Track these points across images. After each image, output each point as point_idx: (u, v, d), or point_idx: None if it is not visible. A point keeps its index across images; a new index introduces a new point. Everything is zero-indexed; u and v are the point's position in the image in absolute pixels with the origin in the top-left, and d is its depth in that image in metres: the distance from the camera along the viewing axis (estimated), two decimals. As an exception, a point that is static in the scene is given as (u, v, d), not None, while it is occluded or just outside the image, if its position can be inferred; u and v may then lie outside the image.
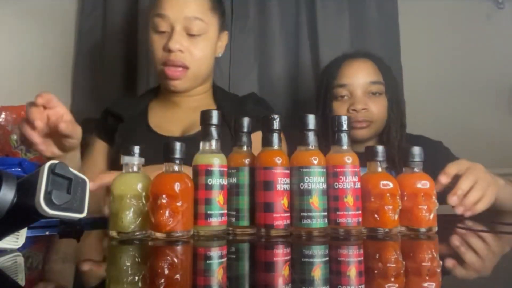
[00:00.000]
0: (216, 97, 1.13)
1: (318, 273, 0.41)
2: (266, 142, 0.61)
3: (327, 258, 0.48)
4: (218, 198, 0.58)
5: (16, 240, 0.49)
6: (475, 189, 0.78)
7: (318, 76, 1.35)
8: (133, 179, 0.59)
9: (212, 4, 1.07)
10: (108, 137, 1.08)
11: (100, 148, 1.09)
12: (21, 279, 0.39)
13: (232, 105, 1.08)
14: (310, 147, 0.60)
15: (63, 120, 0.78)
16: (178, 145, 0.57)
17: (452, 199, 0.76)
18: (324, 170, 0.59)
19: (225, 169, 0.60)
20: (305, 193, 0.58)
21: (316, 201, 0.57)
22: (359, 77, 1.12)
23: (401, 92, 1.21)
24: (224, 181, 0.59)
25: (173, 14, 1.00)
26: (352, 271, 0.42)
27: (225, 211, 0.59)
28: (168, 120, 1.07)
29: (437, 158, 0.93)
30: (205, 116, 0.61)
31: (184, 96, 1.09)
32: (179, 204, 0.55)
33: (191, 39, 1.02)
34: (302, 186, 0.58)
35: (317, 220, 0.57)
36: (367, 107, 1.11)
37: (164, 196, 0.54)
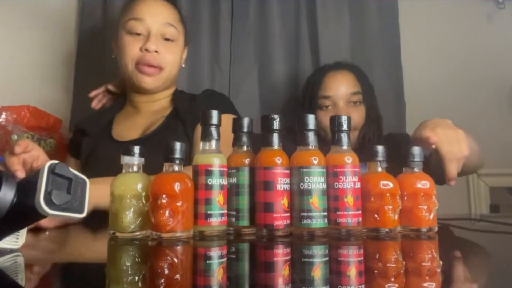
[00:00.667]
0: (174, 99, 1.16)
1: (318, 273, 0.41)
2: (266, 142, 0.61)
3: (327, 258, 0.48)
4: (218, 198, 0.58)
5: (16, 240, 0.49)
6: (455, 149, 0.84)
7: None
8: (133, 179, 0.59)
9: (180, 17, 1.16)
10: (78, 152, 1.15)
11: (71, 165, 1.15)
12: (21, 279, 0.39)
13: (188, 103, 1.12)
14: (310, 147, 0.60)
15: (39, 160, 0.84)
16: (178, 145, 0.58)
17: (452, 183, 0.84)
18: (324, 170, 0.59)
19: (225, 169, 0.60)
20: (305, 193, 0.58)
21: (316, 201, 0.57)
22: (341, 89, 1.22)
23: (375, 99, 1.32)
24: (224, 181, 0.59)
25: (150, 19, 1.07)
26: (352, 271, 0.42)
27: (225, 211, 0.59)
28: (129, 127, 1.12)
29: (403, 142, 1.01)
30: (205, 116, 0.61)
31: (147, 102, 1.14)
32: (179, 204, 0.55)
33: (165, 44, 1.09)
34: (302, 186, 0.58)
35: (317, 220, 0.57)
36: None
37: (164, 196, 0.54)
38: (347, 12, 1.52)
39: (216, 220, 0.58)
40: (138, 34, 1.07)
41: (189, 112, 1.06)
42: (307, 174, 0.58)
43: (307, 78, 1.35)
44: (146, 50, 1.05)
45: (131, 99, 1.16)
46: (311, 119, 0.60)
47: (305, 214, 0.57)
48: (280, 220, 0.57)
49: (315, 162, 0.58)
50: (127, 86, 1.17)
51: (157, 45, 1.07)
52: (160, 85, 1.11)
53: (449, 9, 1.62)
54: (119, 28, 1.12)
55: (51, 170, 0.39)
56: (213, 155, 0.59)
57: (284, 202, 0.58)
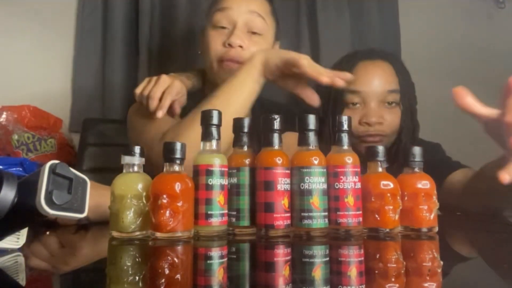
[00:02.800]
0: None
1: (318, 273, 0.41)
2: (267, 142, 0.60)
3: (327, 258, 0.48)
4: (218, 198, 0.58)
5: (17, 240, 0.49)
6: None
7: None
8: (133, 179, 0.59)
9: (271, 8, 1.05)
10: None
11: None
12: (21, 279, 0.39)
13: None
14: (311, 147, 0.60)
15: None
16: (178, 145, 0.57)
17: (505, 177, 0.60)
18: (325, 170, 0.59)
19: (226, 169, 0.60)
20: (305, 193, 0.58)
21: (316, 201, 0.57)
22: (376, 84, 1.00)
23: (415, 101, 1.09)
24: (225, 181, 0.59)
25: (236, 8, 0.99)
26: (353, 271, 0.42)
27: (226, 211, 0.59)
28: None
29: (436, 160, 0.90)
30: (205, 116, 0.61)
31: None
32: (179, 204, 0.54)
33: (251, 38, 0.99)
34: (302, 186, 0.58)
35: (318, 220, 0.57)
36: (382, 120, 1.01)
37: (164, 196, 0.54)
38: (347, 12, 1.52)
39: (217, 220, 0.57)
40: (223, 28, 0.99)
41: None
42: (308, 174, 0.58)
43: (332, 66, 1.09)
44: (230, 45, 0.97)
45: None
46: (311, 119, 0.60)
47: (306, 214, 0.57)
48: (281, 220, 0.57)
49: (316, 162, 0.58)
50: (210, 84, 1.05)
51: (242, 38, 0.97)
52: None
53: (449, 9, 1.63)
54: (206, 22, 1.04)
55: (52, 170, 0.39)
56: (214, 155, 0.59)
57: (284, 202, 0.58)
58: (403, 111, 1.03)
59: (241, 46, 0.97)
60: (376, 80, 1.01)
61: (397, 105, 1.02)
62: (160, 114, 0.88)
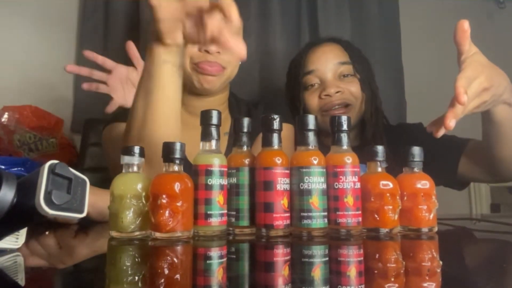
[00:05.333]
0: (231, 110, 1.10)
1: (318, 273, 0.41)
2: (266, 142, 0.61)
3: (327, 258, 0.48)
4: (218, 198, 0.58)
5: (16, 240, 0.49)
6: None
7: None
8: (133, 179, 0.59)
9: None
10: None
11: None
12: (21, 279, 0.39)
13: (248, 113, 1.07)
14: (310, 147, 0.60)
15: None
16: (178, 145, 0.58)
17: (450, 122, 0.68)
18: (324, 170, 0.59)
19: (225, 169, 0.60)
20: (305, 193, 0.58)
21: (316, 201, 0.57)
22: (327, 60, 1.07)
23: (372, 74, 1.14)
24: (224, 181, 0.59)
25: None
26: (352, 271, 0.41)
27: (225, 211, 0.59)
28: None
29: (423, 138, 0.88)
30: (205, 116, 0.61)
31: (205, 107, 1.06)
32: (179, 204, 0.55)
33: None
34: (302, 186, 0.58)
35: (317, 220, 0.57)
36: (341, 90, 1.06)
37: (164, 196, 0.54)
38: (347, 12, 1.52)
39: (216, 220, 0.57)
40: None
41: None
42: (307, 174, 0.58)
43: (290, 62, 1.19)
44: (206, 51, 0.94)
45: (186, 103, 0.99)
46: (311, 119, 0.60)
47: (305, 214, 0.57)
48: (280, 220, 0.57)
49: (315, 162, 0.58)
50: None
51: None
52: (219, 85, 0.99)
53: (449, 9, 1.62)
54: None
55: (51, 170, 0.39)
56: (213, 155, 0.59)
57: (284, 202, 0.58)
58: (361, 81, 1.08)
59: (219, 52, 0.94)
60: (326, 56, 1.08)
61: (353, 77, 1.07)
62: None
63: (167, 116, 0.72)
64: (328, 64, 1.06)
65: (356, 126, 1.12)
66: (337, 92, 1.06)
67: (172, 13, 0.64)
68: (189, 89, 0.99)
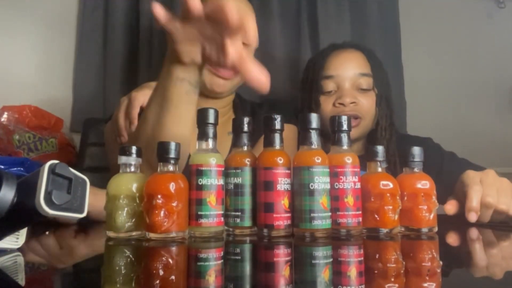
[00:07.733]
0: (236, 110, 1.11)
1: (318, 273, 0.41)
2: (268, 142, 0.60)
3: (327, 259, 0.48)
4: (209, 198, 0.56)
5: (16, 240, 0.49)
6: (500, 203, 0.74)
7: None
8: (127, 179, 0.58)
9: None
10: None
11: None
12: (21, 279, 0.39)
13: (251, 112, 1.07)
14: (313, 147, 0.59)
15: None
16: (172, 145, 0.57)
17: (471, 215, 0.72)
18: (327, 169, 0.59)
19: (221, 168, 0.58)
20: (307, 193, 0.57)
21: (319, 201, 0.57)
22: (348, 68, 1.04)
23: (390, 88, 1.13)
24: (218, 181, 0.58)
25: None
26: (353, 271, 0.41)
27: (220, 212, 0.57)
28: None
29: (429, 155, 0.90)
30: (201, 114, 0.60)
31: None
32: (174, 204, 0.54)
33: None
34: (304, 186, 0.58)
35: (326, 221, 0.57)
36: (356, 101, 1.04)
37: (159, 196, 0.54)
38: (347, 12, 1.52)
39: (207, 221, 0.56)
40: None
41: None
42: (310, 174, 0.58)
43: (308, 60, 1.19)
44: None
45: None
46: (314, 118, 0.60)
47: (307, 215, 0.57)
48: (281, 220, 0.57)
49: (318, 161, 0.58)
50: None
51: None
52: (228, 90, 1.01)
53: (449, 9, 1.62)
54: None
55: (51, 170, 0.39)
56: (209, 154, 0.58)
57: (284, 202, 0.57)
58: (378, 96, 1.06)
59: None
60: (348, 64, 1.05)
61: (370, 91, 1.05)
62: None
63: (177, 137, 0.68)
64: (349, 73, 1.04)
65: (364, 137, 1.12)
66: (352, 102, 1.04)
67: (191, 35, 0.62)
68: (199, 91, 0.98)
